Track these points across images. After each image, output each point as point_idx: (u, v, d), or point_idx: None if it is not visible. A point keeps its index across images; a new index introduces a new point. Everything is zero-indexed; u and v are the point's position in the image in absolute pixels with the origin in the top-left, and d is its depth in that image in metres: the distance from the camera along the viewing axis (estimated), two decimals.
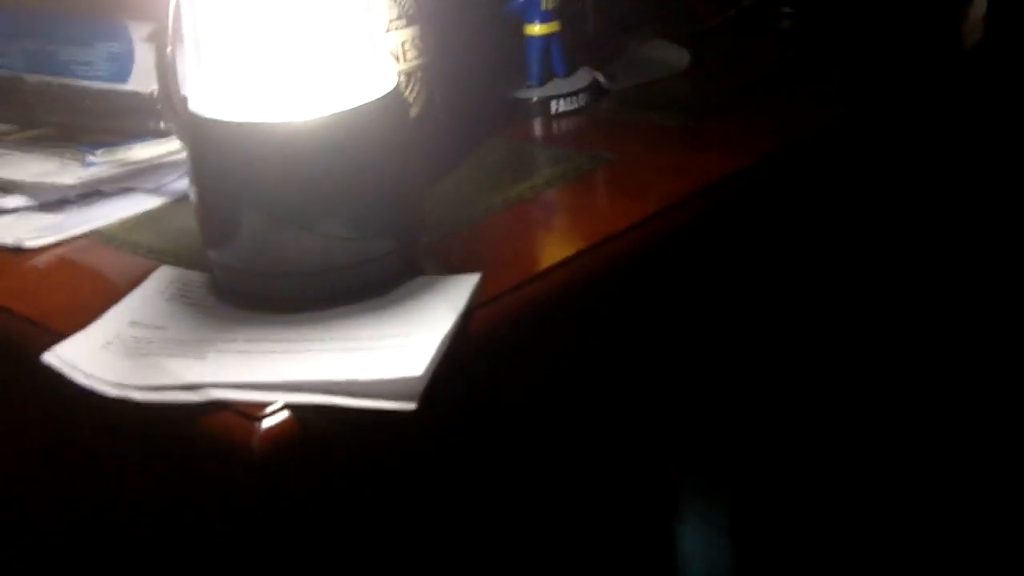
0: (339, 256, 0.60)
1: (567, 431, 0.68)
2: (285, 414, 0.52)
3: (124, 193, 0.77)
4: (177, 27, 0.66)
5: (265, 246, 0.60)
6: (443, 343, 0.55)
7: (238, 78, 0.60)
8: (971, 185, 0.98)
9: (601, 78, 0.90)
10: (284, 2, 0.59)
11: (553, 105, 0.87)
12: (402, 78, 0.73)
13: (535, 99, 0.88)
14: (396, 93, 0.62)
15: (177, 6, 0.65)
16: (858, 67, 0.95)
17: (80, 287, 0.67)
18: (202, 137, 0.61)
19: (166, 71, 0.67)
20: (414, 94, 0.74)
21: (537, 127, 0.87)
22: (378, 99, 0.60)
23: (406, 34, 0.73)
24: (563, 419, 0.67)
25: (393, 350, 0.54)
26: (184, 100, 0.65)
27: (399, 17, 0.72)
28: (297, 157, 0.58)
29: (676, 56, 0.95)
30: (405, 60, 0.73)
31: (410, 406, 0.52)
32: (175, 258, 0.68)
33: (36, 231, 0.73)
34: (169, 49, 0.67)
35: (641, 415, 0.73)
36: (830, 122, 0.84)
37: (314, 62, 0.60)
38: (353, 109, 0.59)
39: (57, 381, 0.56)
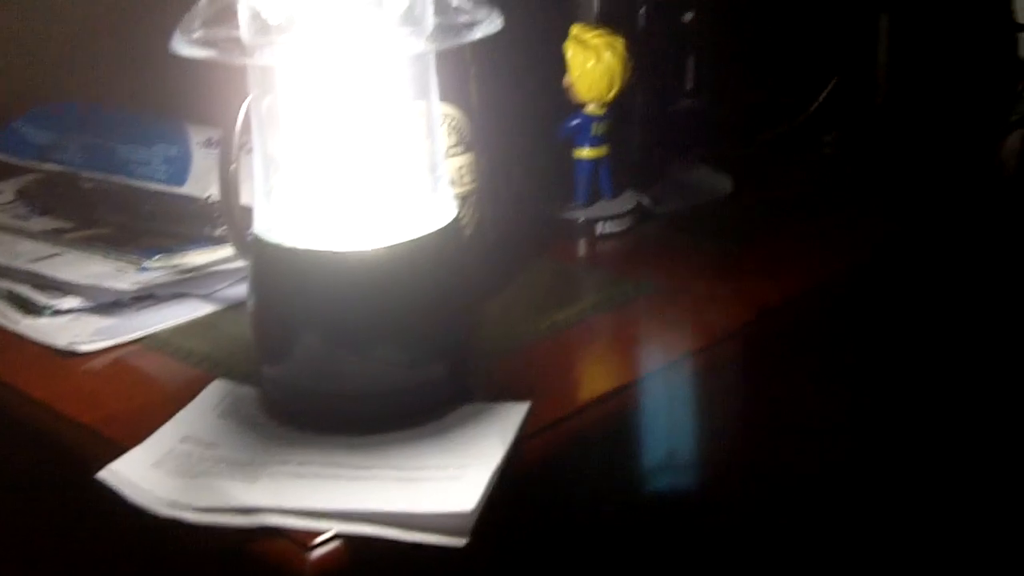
0: (392, 381, 0.61)
1: (605, 557, 0.68)
2: (337, 542, 0.53)
3: (177, 298, 0.79)
4: (240, 142, 0.68)
5: (319, 367, 0.61)
6: (493, 476, 0.56)
7: (302, 203, 0.62)
8: (1015, 318, 0.99)
9: (646, 201, 0.92)
10: (351, 131, 0.61)
11: (599, 227, 0.89)
12: (459, 207, 0.74)
13: (581, 220, 0.89)
14: (455, 223, 0.63)
15: (243, 122, 0.67)
16: (898, 195, 0.97)
17: (132, 394, 0.68)
18: (265, 259, 0.62)
19: (228, 185, 0.69)
20: (467, 218, 0.75)
21: (582, 248, 0.88)
22: (439, 230, 0.62)
23: (463, 160, 0.75)
24: (601, 546, 0.68)
25: (444, 482, 0.55)
26: (244, 214, 0.67)
27: (457, 144, 0.74)
28: (358, 285, 0.60)
29: (719, 181, 0.97)
30: (461, 185, 0.75)
31: (460, 542, 0.53)
32: (227, 369, 0.69)
33: (90, 335, 0.74)
34: (233, 164, 0.69)
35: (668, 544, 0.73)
36: (874, 250, 0.86)
37: (378, 189, 0.62)
38: (415, 240, 0.61)
39: (110, 496, 0.57)
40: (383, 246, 0.60)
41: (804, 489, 0.82)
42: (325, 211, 0.61)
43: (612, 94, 0.87)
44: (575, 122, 0.88)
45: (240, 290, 0.79)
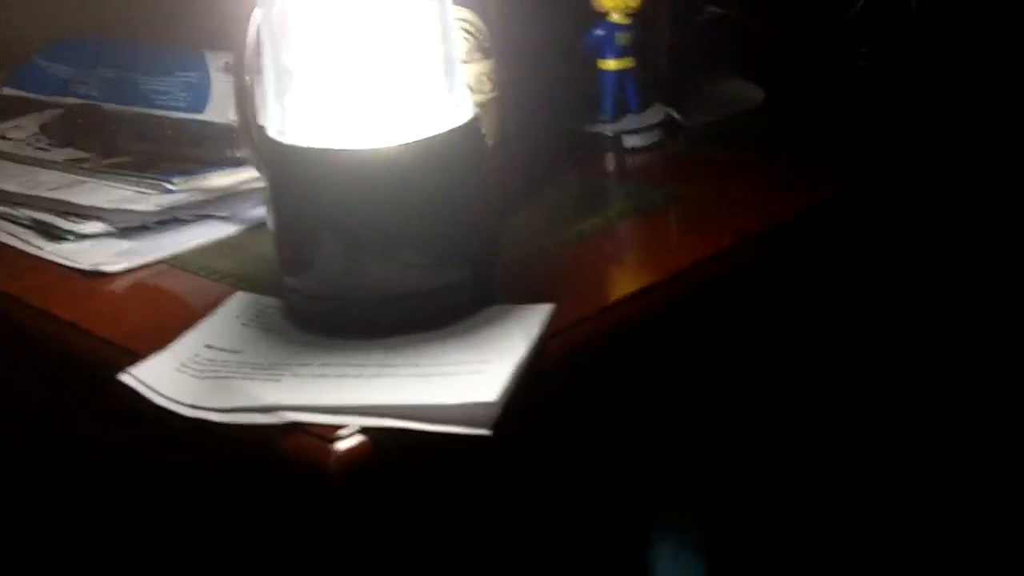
0: (414, 283, 0.60)
1: (625, 456, 0.67)
2: (360, 437, 0.52)
3: (200, 220, 0.78)
4: (255, 56, 0.67)
5: (341, 272, 0.60)
6: (517, 371, 0.55)
7: (317, 106, 0.61)
8: None
9: (675, 114, 0.90)
10: (364, 32, 0.60)
11: (626, 140, 0.87)
12: (478, 110, 0.73)
13: (608, 134, 0.87)
14: (473, 123, 0.62)
15: (255, 36, 0.66)
16: (931, 111, 0.94)
17: (157, 311, 0.68)
18: (281, 163, 0.61)
19: (244, 99, 0.68)
20: (489, 126, 0.74)
21: (610, 162, 0.87)
22: (456, 128, 0.60)
23: (482, 67, 0.73)
24: (622, 445, 0.67)
25: (468, 376, 0.54)
26: (261, 128, 0.66)
27: (475, 50, 0.73)
28: (375, 184, 0.59)
29: (750, 93, 0.95)
30: (481, 92, 0.73)
31: (484, 431, 0.52)
32: (250, 284, 0.69)
33: (114, 256, 0.74)
34: (248, 78, 0.68)
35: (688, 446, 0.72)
36: (896, 168, 0.83)
37: (393, 90, 0.60)
38: (431, 137, 0.59)
39: (134, 401, 0.56)
40: (397, 144, 0.59)
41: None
42: (339, 112, 0.60)
43: (636, 2, 0.85)
44: (599, 32, 0.86)
45: (262, 211, 0.78)
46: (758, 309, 0.73)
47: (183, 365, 0.58)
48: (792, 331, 0.76)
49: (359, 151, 0.59)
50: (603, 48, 0.87)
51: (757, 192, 0.78)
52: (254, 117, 0.68)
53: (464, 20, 0.71)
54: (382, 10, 0.60)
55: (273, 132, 0.62)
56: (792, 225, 0.74)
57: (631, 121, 0.89)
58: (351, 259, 0.60)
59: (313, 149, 0.59)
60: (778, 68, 1.00)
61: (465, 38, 0.72)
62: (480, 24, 0.73)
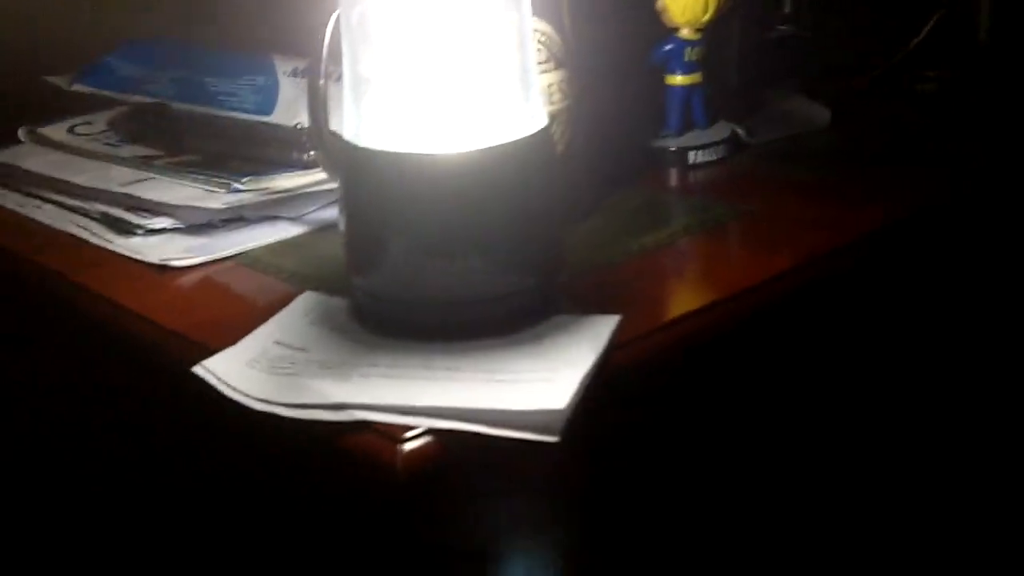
0: (481, 289, 0.60)
1: (686, 468, 0.67)
2: (428, 438, 0.52)
3: (266, 220, 0.79)
4: (328, 62, 0.67)
5: (410, 275, 0.60)
6: (585, 380, 0.55)
7: (393, 112, 0.61)
8: None
9: (741, 131, 0.90)
10: (442, 40, 0.60)
11: (691, 156, 0.87)
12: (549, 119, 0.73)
13: (673, 148, 0.87)
14: (546, 132, 0.62)
15: (331, 40, 0.67)
16: (998, 138, 0.93)
17: (224, 306, 0.69)
18: (355, 167, 0.62)
19: (317, 103, 0.69)
20: (558, 135, 0.74)
21: (674, 176, 0.87)
22: (529, 136, 0.61)
23: (554, 77, 0.74)
24: (684, 457, 0.66)
25: (537, 383, 0.54)
26: (335, 133, 0.66)
27: (548, 60, 0.73)
28: (448, 189, 0.59)
29: (817, 113, 0.95)
30: (551, 102, 0.73)
31: (553, 438, 0.52)
32: (316, 283, 0.69)
33: (182, 252, 0.75)
34: (321, 82, 0.69)
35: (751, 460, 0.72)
36: (964, 191, 0.83)
37: (468, 97, 0.60)
38: (505, 144, 0.59)
39: (204, 393, 0.57)
40: (470, 149, 0.59)
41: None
42: (414, 118, 0.61)
43: (707, 18, 0.85)
44: (668, 47, 0.87)
45: (328, 213, 0.79)
46: (822, 328, 0.72)
47: (254, 360, 0.58)
48: (859, 351, 0.75)
49: (433, 156, 0.59)
50: (671, 63, 0.87)
51: (822, 211, 0.78)
52: (326, 121, 0.69)
53: (538, 30, 0.72)
54: (461, 19, 0.60)
55: (348, 136, 0.62)
56: (858, 245, 0.73)
57: (697, 136, 0.88)
58: (421, 262, 0.60)
59: (388, 153, 0.59)
60: (844, 89, 1.00)
61: (539, 48, 0.72)
62: (554, 34, 0.73)
